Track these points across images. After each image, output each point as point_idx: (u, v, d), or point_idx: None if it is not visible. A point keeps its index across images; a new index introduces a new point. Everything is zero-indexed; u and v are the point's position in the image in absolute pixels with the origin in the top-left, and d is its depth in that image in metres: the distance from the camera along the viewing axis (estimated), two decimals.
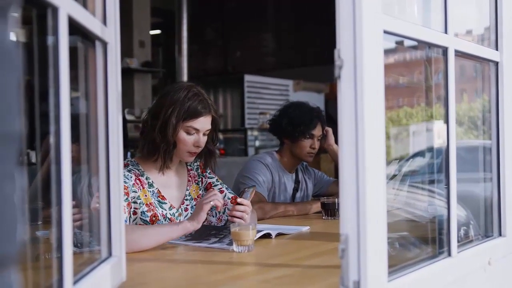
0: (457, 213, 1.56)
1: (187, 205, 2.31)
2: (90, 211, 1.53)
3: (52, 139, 1.01)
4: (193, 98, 2.17)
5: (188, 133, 2.17)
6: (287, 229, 2.26)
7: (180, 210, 2.27)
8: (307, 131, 2.97)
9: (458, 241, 1.55)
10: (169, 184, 2.27)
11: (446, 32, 1.51)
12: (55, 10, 0.99)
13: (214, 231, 2.11)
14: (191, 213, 2.27)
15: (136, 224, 2.13)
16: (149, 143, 2.18)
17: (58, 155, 1.00)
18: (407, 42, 1.53)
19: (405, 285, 1.30)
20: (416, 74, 2.04)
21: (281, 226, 2.33)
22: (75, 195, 1.07)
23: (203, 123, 2.19)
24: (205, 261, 1.76)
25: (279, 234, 2.17)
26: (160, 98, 2.23)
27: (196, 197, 2.34)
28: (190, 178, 2.36)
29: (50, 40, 1.02)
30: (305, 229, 2.34)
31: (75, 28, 1.11)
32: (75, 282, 1.09)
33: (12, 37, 0.59)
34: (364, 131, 1.15)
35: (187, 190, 2.33)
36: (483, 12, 1.95)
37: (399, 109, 1.97)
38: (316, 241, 2.15)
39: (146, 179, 2.21)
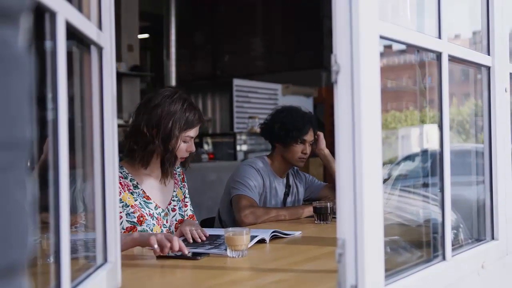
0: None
1: (174, 205, 2.39)
2: (82, 216, 1.53)
3: (50, 145, 1.00)
4: (189, 109, 2.27)
5: (185, 141, 2.28)
6: (281, 232, 2.26)
7: (166, 210, 2.34)
8: (299, 136, 2.97)
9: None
10: (155, 186, 2.33)
11: (439, 37, 1.52)
12: (53, 15, 0.99)
13: (208, 240, 2.11)
14: (179, 213, 2.39)
15: (122, 228, 2.15)
16: (149, 154, 2.24)
17: (56, 160, 1.00)
18: (395, 46, 1.54)
19: None
20: (405, 78, 2.05)
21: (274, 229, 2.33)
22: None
23: (197, 130, 2.32)
24: (200, 266, 1.76)
25: (273, 237, 2.17)
26: (153, 108, 2.24)
27: (181, 199, 2.44)
28: (176, 181, 2.45)
29: (47, 44, 1.01)
30: (298, 233, 2.34)
31: (71, 32, 1.10)
32: None
33: (23, 43, 0.59)
34: (361, 136, 1.15)
35: (174, 191, 2.41)
36: (472, 15, 1.97)
37: (387, 114, 1.98)
38: (309, 245, 2.15)
39: (131, 181, 2.27)
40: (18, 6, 0.57)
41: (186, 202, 2.50)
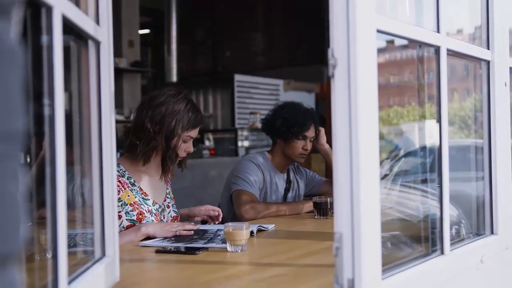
0: (449, 212, 1.57)
1: (168, 202, 2.43)
2: (82, 212, 1.53)
3: (46, 140, 1.00)
4: (192, 109, 2.31)
5: (185, 141, 2.31)
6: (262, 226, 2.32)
7: (163, 206, 2.38)
8: (300, 132, 2.97)
9: (450, 240, 1.56)
10: (150, 183, 2.36)
11: (438, 31, 1.52)
12: (49, 9, 0.99)
13: (196, 236, 2.11)
14: (173, 210, 2.43)
15: (123, 227, 2.17)
16: (150, 150, 2.27)
17: (53, 156, 1.00)
18: (398, 41, 1.54)
19: (399, 283, 1.31)
20: (407, 74, 2.05)
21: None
22: (66, 196, 1.07)
23: (197, 131, 2.36)
24: (199, 261, 1.76)
25: (259, 230, 2.23)
26: (157, 105, 2.27)
27: (172, 197, 2.48)
28: (168, 180, 2.48)
29: (44, 39, 1.01)
30: (272, 226, 2.37)
31: (68, 27, 1.10)
32: (70, 282, 1.09)
33: (15, 36, 0.59)
34: (357, 130, 1.15)
35: (167, 189, 2.45)
36: (474, 11, 1.96)
37: (390, 109, 1.97)
38: (308, 240, 2.15)
39: (128, 179, 2.29)
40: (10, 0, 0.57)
41: (169, 203, 2.52)
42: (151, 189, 2.35)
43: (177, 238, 2.08)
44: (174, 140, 2.26)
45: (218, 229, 2.20)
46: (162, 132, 2.24)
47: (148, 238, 2.09)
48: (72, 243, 1.38)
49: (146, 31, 10.05)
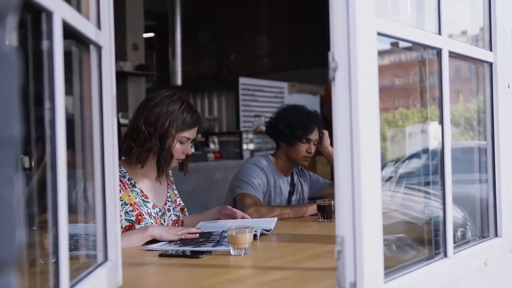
0: (454, 214, 1.57)
1: (169, 206, 2.44)
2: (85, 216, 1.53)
3: (47, 145, 1.00)
4: (187, 110, 2.30)
5: (181, 142, 2.31)
6: (263, 222, 2.32)
7: (163, 210, 2.38)
8: (304, 135, 2.96)
9: (455, 242, 1.55)
10: (151, 186, 2.37)
11: (440, 33, 1.52)
12: (49, 14, 0.99)
13: (202, 239, 2.11)
14: (173, 214, 2.43)
15: (121, 227, 2.17)
16: (146, 152, 2.27)
17: (54, 160, 1.00)
18: (402, 43, 1.53)
19: (402, 286, 1.30)
20: (412, 76, 2.05)
21: (253, 219, 2.43)
22: (70, 200, 1.07)
23: (195, 132, 2.35)
24: (202, 264, 1.76)
25: (262, 234, 2.22)
26: (152, 107, 2.28)
27: (174, 200, 2.48)
28: (169, 183, 2.49)
29: (44, 44, 1.01)
30: (273, 222, 2.38)
31: (69, 32, 1.11)
32: (72, 287, 1.09)
33: (11, 41, 0.60)
34: (359, 133, 1.15)
35: (168, 192, 2.45)
36: (477, 12, 1.96)
37: (395, 111, 1.97)
38: (312, 243, 2.15)
39: (129, 180, 2.30)
40: (5, 6, 0.57)
41: (179, 200, 2.53)
42: (152, 192, 2.35)
43: (183, 241, 2.07)
44: (169, 140, 2.26)
45: (223, 231, 2.20)
46: (156, 133, 2.25)
47: (153, 240, 2.09)
48: (73, 246, 1.38)
49: (151, 34, 10.05)
